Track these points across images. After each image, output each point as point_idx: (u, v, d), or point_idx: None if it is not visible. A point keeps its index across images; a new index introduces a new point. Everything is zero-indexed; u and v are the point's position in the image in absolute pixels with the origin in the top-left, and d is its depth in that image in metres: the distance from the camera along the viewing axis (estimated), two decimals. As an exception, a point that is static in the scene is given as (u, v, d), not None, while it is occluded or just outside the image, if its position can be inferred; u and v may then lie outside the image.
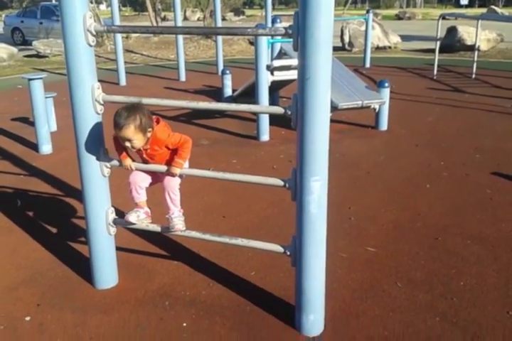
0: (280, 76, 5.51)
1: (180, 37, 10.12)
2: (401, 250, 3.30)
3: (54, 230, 3.61)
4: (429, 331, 2.48)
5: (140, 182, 2.63)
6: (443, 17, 10.12)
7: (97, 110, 2.49)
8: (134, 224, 2.65)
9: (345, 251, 3.25)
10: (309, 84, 2.06)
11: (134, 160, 2.58)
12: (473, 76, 9.93)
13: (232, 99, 7.19)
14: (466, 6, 50.23)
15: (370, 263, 3.15)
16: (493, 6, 30.68)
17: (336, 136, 5.93)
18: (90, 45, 2.39)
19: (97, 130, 2.53)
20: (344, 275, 2.99)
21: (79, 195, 4.26)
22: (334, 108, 5.80)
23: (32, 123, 6.48)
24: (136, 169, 2.60)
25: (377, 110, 6.03)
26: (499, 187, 4.35)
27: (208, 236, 2.58)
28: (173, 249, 3.29)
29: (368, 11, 11.27)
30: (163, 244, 3.34)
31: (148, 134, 2.44)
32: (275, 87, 6.30)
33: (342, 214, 3.79)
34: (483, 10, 33.81)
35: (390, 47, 15.08)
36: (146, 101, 2.40)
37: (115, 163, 2.59)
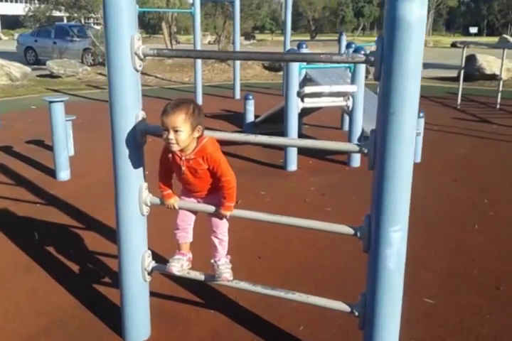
0: (311, 103, 5.26)
1: (199, 60, 9.96)
2: (461, 301, 2.96)
3: (76, 268, 3.29)
4: None
5: (189, 220, 2.36)
6: (465, 45, 9.95)
7: (140, 142, 2.22)
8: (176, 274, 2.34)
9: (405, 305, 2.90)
10: (394, 119, 1.79)
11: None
12: (498, 106, 9.70)
13: (254, 126, 6.94)
14: (475, 35, 50.72)
15: (430, 317, 2.81)
16: (505, 35, 30.76)
17: (365, 168, 5.64)
18: (137, 70, 2.12)
19: (138, 164, 2.25)
20: (404, 332, 2.61)
21: (102, 227, 3.99)
22: (366, 138, 5.54)
23: (48, 147, 6.26)
24: (180, 208, 2.30)
25: (410, 141, 5.74)
26: (553, 228, 4.03)
27: (259, 289, 2.27)
28: (208, 296, 2.96)
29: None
30: (197, 288, 3.01)
31: (196, 134, 2.08)
32: (302, 114, 6.05)
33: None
34: (492, 38, 33.95)
35: (406, 75, 14.91)
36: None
37: (156, 201, 2.31)
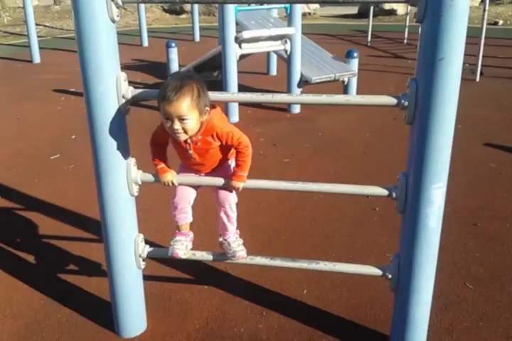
0: (249, 49, 4.90)
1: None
2: (447, 242, 2.96)
3: (31, 258, 2.85)
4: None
5: (189, 198, 2.02)
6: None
7: (123, 111, 1.83)
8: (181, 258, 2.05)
9: (388, 250, 2.84)
10: (442, 66, 1.58)
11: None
12: (406, 41, 9.90)
13: (179, 76, 6.43)
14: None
15: (426, 262, 2.79)
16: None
17: (306, 113, 5.51)
18: (114, 21, 1.69)
19: (122, 138, 1.87)
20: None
21: (43, 206, 3.48)
22: (306, 82, 5.35)
23: None
24: (180, 184, 1.97)
25: (346, 82, 5.65)
26: (500, 159, 4.20)
27: (279, 262, 2.06)
28: (196, 270, 2.71)
29: (295, -25, 10.73)
30: (180, 263, 2.72)
31: (205, 116, 1.76)
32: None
33: (364, 207, 3.39)
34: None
35: (309, 14, 14.76)
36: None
37: (149, 178, 1.96)
